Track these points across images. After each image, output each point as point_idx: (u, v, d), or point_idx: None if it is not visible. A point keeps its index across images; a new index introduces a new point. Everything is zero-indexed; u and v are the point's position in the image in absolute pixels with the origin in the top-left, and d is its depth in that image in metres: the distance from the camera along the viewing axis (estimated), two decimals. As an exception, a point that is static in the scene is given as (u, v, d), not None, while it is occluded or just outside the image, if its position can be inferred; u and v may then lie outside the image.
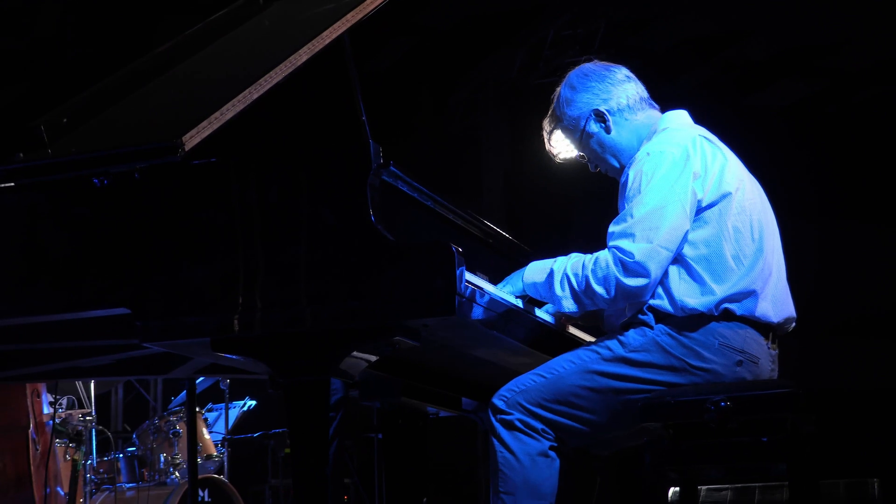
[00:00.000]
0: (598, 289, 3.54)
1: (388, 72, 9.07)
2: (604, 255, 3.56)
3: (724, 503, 5.59)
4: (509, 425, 3.58)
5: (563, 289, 3.62)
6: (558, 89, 3.96)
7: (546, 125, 4.01)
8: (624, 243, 3.53)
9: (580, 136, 3.90)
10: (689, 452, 3.51)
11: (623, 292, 3.53)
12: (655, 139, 3.78)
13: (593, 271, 3.55)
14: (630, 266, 3.51)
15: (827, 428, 3.51)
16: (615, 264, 3.52)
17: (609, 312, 3.77)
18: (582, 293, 3.58)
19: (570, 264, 3.63)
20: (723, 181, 3.65)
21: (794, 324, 3.79)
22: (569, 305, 3.63)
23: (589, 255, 3.60)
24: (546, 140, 4.05)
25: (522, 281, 3.72)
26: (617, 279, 3.51)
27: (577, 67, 3.97)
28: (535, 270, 3.71)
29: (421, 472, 4.43)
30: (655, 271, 3.53)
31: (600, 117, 3.86)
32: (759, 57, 9.07)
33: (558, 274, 3.63)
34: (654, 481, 3.50)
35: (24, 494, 6.01)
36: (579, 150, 3.98)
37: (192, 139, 3.26)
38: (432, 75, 9.81)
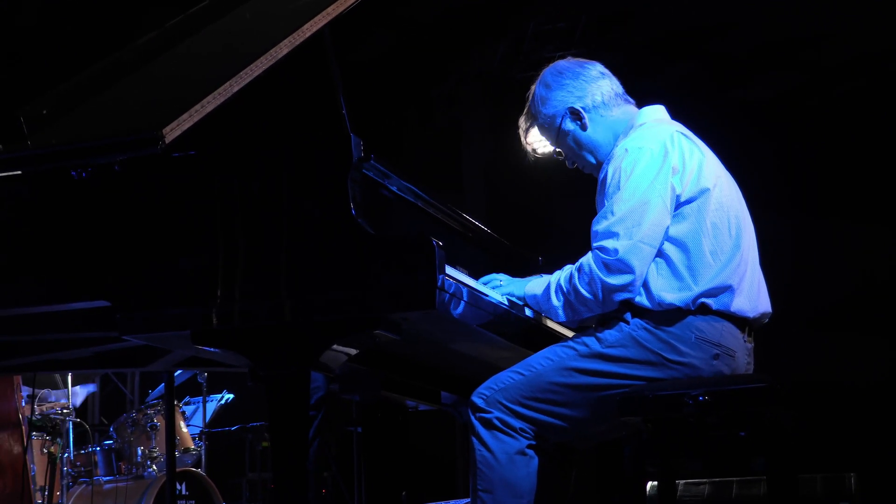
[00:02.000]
0: (586, 294, 3.56)
1: (369, 65, 9.06)
2: (587, 260, 3.58)
3: (702, 497, 5.61)
4: (488, 424, 3.59)
5: (558, 299, 3.65)
6: (533, 87, 3.96)
7: (522, 123, 4.01)
8: (607, 243, 3.54)
9: (556, 133, 3.90)
10: (667, 446, 3.52)
11: (609, 292, 3.54)
12: (632, 135, 3.77)
13: (580, 278, 3.58)
14: (611, 264, 3.52)
15: (805, 422, 3.53)
16: (597, 265, 3.54)
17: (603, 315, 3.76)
18: (574, 301, 3.60)
19: (562, 275, 3.66)
20: (701, 177, 3.66)
21: (768, 318, 3.80)
22: (564, 315, 3.66)
23: (576, 264, 3.62)
24: (522, 137, 4.06)
25: (525, 293, 3.76)
26: (601, 280, 3.53)
27: (551, 65, 3.97)
28: (536, 284, 3.75)
29: (400, 465, 4.43)
30: (639, 267, 3.54)
31: (575, 115, 3.87)
32: (740, 51, 9.08)
33: (553, 285, 3.67)
34: (633, 475, 3.50)
35: (20, 487, 6.00)
36: (556, 147, 3.98)
37: (172, 131, 3.25)
38: (414, 68, 9.79)
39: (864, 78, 8.76)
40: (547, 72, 3.95)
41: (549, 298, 3.67)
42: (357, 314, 3.18)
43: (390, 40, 9.30)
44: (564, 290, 3.62)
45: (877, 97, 8.56)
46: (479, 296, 3.48)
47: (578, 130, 3.88)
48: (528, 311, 3.81)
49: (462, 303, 3.32)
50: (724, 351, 3.60)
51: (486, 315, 3.52)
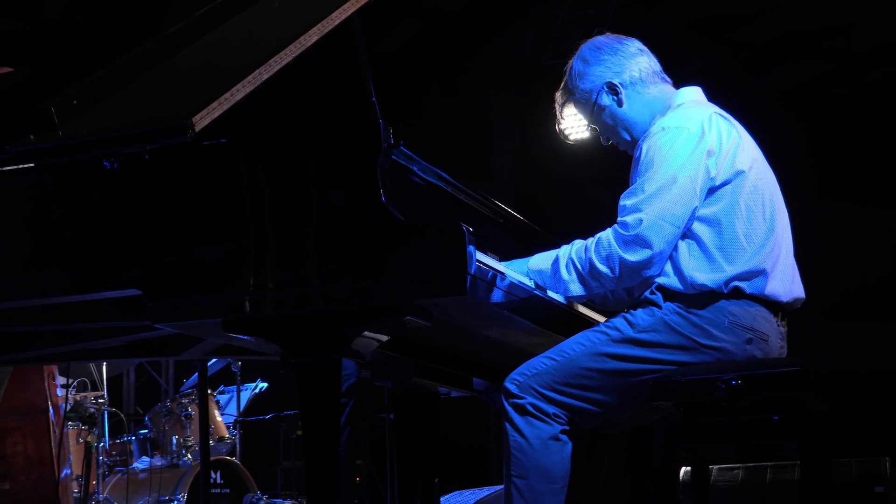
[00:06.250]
0: (603, 268, 3.54)
1: (397, 54, 9.06)
2: (605, 234, 3.56)
3: (735, 482, 5.59)
4: (521, 410, 3.58)
5: (568, 273, 3.61)
6: (570, 62, 3.92)
7: (558, 98, 3.99)
8: (628, 218, 3.53)
9: (592, 108, 3.88)
10: (700, 431, 3.51)
11: (626, 268, 3.52)
12: (670, 115, 3.75)
13: (596, 251, 3.56)
14: (628, 239, 3.51)
15: (838, 406, 3.51)
16: (616, 240, 3.53)
17: (618, 291, 3.76)
18: (587, 275, 3.58)
19: (573, 249, 3.63)
20: (736, 159, 3.64)
21: (801, 304, 3.78)
22: (575, 289, 3.62)
23: (591, 238, 3.60)
24: (558, 112, 4.04)
25: (528, 268, 3.70)
26: (619, 256, 3.52)
27: (589, 40, 3.94)
28: (540, 259, 3.70)
29: (433, 452, 4.43)
30: (658, 244, 3.52)
31: (613, 90, 3.84)
32: (767, 38, 9.04)
33: (563, 259, 3.63)
34: (665, 460, 3.50)
35: (46, 476, 6.06)
36: (591, 123, 3.95)
37: (202, 120, 3.26)
38: (442, 57, 9.79)
39: (892, 65, 8.72)
40: (585, 47, 3.92)
41: (556, 272, 3.63)
42: (388, 301, 3.17)
43: (418, 28, 9.29)
44: (577, 263, 3.59)
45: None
46: (510, 280, 3.48)
47: (615, 106, 3.85)
48: (559, 297, 3.80)
49: (492, 288, 3.31)
50: (758, 335, 3.58)
51: (517, 300, 3.51)
